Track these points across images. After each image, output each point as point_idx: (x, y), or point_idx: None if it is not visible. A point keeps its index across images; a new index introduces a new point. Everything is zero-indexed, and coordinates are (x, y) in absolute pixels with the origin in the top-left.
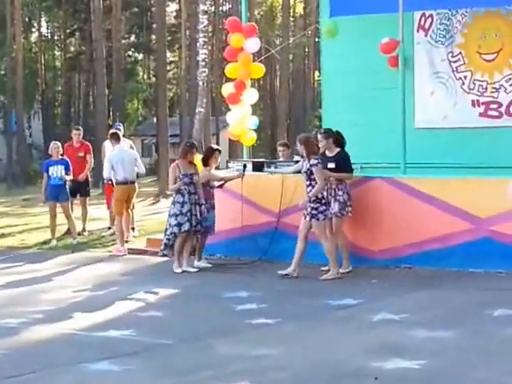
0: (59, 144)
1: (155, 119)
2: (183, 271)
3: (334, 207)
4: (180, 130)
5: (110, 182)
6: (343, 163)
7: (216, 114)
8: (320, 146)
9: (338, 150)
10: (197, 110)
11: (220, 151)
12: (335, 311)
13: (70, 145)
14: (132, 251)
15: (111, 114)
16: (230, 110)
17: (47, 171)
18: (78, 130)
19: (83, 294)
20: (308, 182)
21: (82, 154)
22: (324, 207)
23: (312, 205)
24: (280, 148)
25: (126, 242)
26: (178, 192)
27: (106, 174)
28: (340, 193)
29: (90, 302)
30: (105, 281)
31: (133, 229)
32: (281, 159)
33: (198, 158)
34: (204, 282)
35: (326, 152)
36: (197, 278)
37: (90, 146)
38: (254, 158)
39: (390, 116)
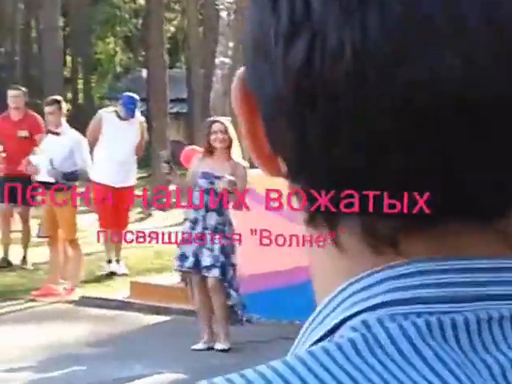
0: None
1: (145, 71)
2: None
3: None
4: (188, 92)
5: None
6: None
7: None
8: None
9: None
10: (217, 60)
11: None
12: None
13: (5, 117)
14: (105, 304)
15: (68, 59)
16: None
17: None
18: (18, 89)
19: (25, 376)
20: None
21: (24, 134)
22: None
23: None
24: None
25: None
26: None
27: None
28: None
29: None
30: (62, 354)
31: (117, 261)
32: None
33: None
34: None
35: None
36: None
37: (40, 120)
38: None
39: None
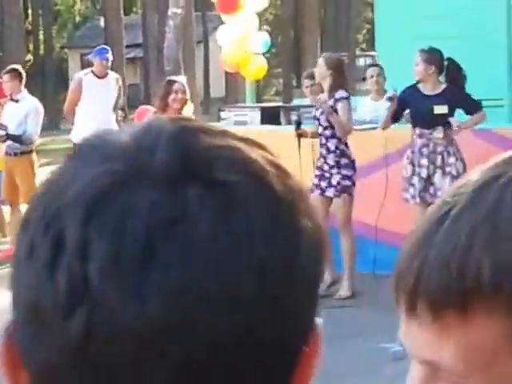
0: None
1: (102, 20)
2: None
3: (443, 185)
4: (143, 37)
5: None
6: (461, 103)
7: (202, 8)
8: (417, 74)
9: (444, 85)
10: (170, 11)
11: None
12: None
13: None
14: None
15: (30, 12)
16: (222, 21)
17: None
18: None
19: None
20: (328, 133)
21: None
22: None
23: (343, 171)
24: (306, 82)
25: None
26: None
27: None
28: (452, 160)
29: None
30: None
31: None
32: (308, 99)
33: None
34: None
35: (421, 88)
36: None
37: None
38: (266, 101)
39: (491, 21)
